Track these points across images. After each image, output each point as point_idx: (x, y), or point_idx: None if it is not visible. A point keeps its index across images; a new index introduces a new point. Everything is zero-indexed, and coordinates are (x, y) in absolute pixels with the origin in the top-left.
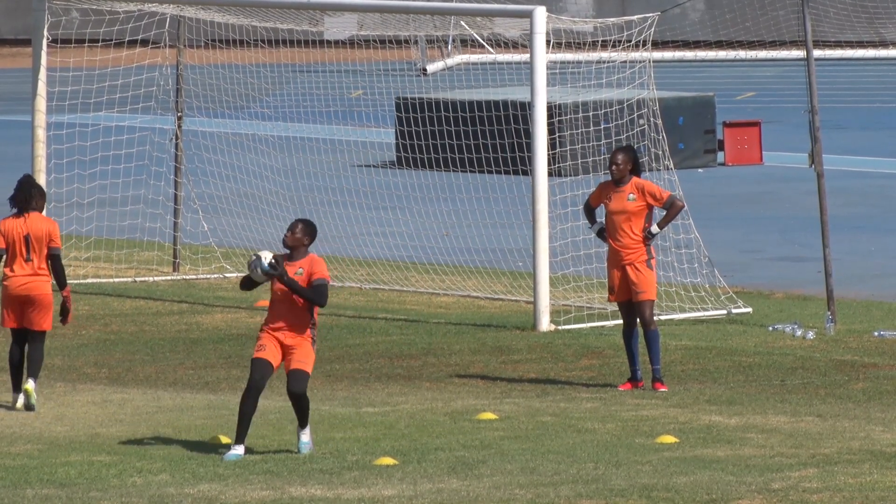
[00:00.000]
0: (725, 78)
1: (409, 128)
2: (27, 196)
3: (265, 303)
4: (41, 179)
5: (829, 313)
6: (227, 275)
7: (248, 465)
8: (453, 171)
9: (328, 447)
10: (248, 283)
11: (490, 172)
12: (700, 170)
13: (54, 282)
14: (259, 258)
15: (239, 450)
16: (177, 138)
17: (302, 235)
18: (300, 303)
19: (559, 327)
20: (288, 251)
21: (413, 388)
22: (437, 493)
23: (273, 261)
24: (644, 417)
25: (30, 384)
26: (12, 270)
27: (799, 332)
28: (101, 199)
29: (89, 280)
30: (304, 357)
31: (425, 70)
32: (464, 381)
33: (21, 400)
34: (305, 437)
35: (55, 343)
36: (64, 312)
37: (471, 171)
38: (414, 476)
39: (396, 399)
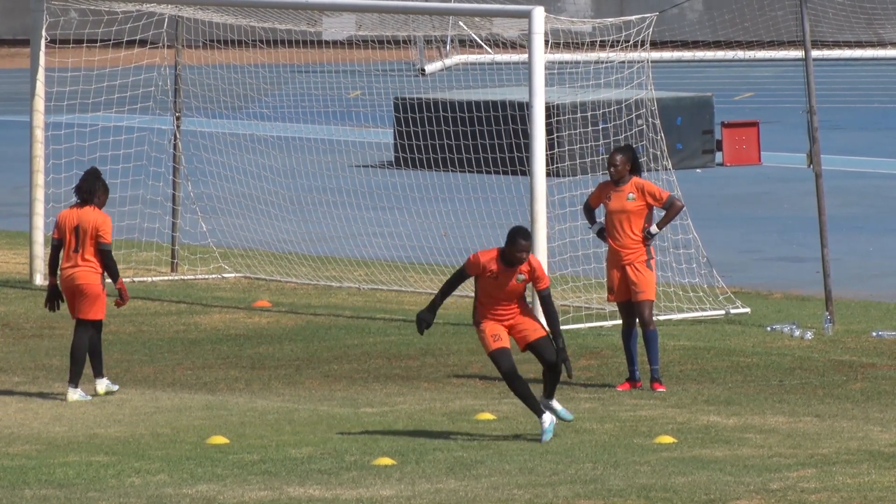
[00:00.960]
0: (724, 78)
1: (407, 128)
2: (91, 188)
3: (264, 303)
4: (39, 179)
5: (828, 313)
6: (226, 275)
7: (246, 465)
8: (452, 171)
9: (326, 447)
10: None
11: (488, 173)
12: (698, 170)
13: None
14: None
15: (547, 418)
16: (175, 138)
17: (528, 254)
18: (518, 290)
19: None
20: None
21: (411, 389)
22: (435, 493)
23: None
24: (642, 418)
25: (69, 393)
26: (66, 261)
27: (797, 333)
28: None
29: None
30: (535, 323)
31: (423, 70)
32: (462, 381)
33: (101, 385)
34: (558, 404)
35: (53, 343)
36: (120, 297)
37: (469, 172)
38: (412, 476)
39: (395, 399)
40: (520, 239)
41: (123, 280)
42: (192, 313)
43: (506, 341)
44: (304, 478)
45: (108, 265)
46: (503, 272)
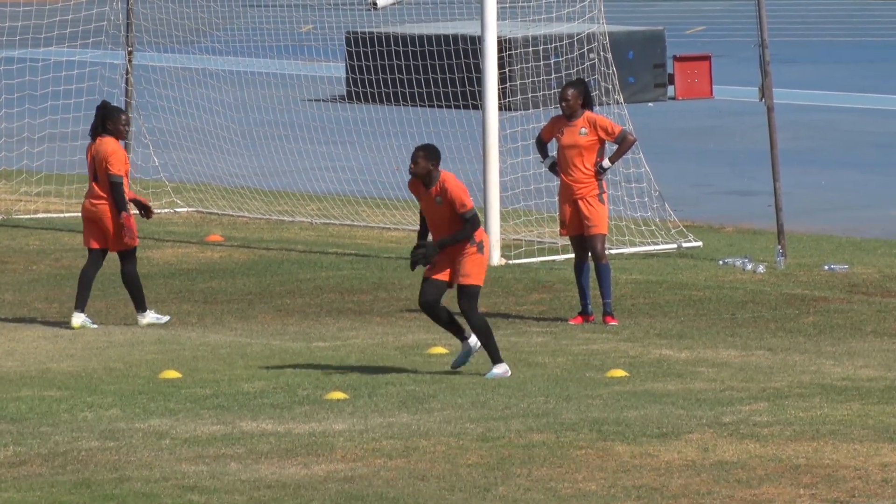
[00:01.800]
0: (675, 11)
1: (359, 62)
2: (96, 122)
3: (216, 237)
4: None
5: (780, 247)
6: (178, 209)
7: (199, 399)
8: (404, 105)
9: (279, 382)
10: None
11: (441, 107)
12: (650, 104)
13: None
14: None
15: (473, 340)
16: (127, 73)
17: (425, 163)
18: (454, 224)
19: (510, 261)
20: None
21: (364, 323)
22: (387, 427)
23: (422, 252)
24: (594, 351)
25: (139, 318)
26: (87, 192)
27: (749, 266)
28: (51, 134)
29: (40, 215)
30: (469, 269)
31: (375, 4)
32: (414, 315)
33: (78, 319)
34: (499, 369)
35: (6, 278)
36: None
37: (421, 106)
38: (365, 410)
39: (347, 334)
40: (415, 152)
41: (80, 215)
42: (144, 248)
43: (440, 271)
44: (256, 412)
45: (113, 195)
46: (424, 194)
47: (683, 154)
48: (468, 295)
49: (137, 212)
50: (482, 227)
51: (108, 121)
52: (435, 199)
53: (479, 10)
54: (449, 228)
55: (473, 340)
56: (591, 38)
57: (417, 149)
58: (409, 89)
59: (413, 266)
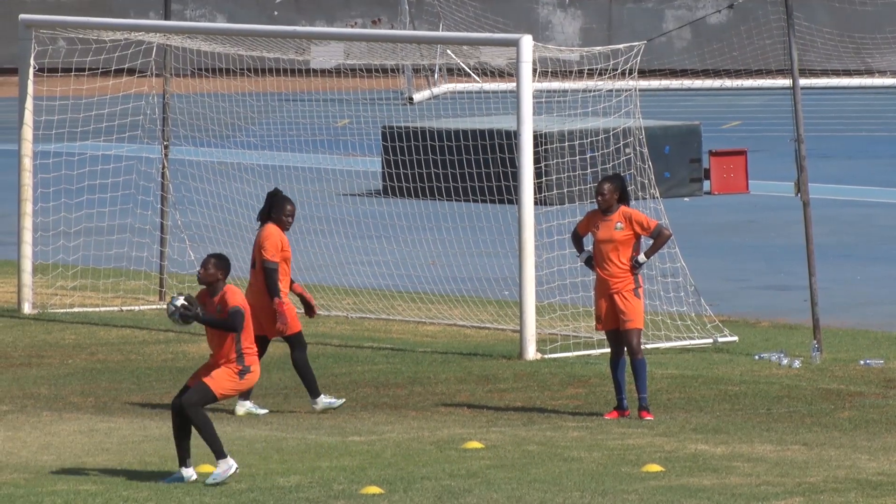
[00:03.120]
0: (711, 107)
1: (395, 157)
2: (264, 208)
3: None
4: (27, 208)
5: (815, 342)
6: None
7: (234, 494)
8: (439, 199)
9: (314, 476)
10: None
11: (476, 201)
12: (686, 198)
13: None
14: (173, 300)
15: (186, 471)
16: (163, 167)
17: (215, 270)
18: (223, 335)
19: (545, 356)
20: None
21: (399, 417)
22: None
23: (185, 302)
24: (630, 446)
25: (312, 404)
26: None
27: (785, 361)
28: (87, 227)
29: (76, 309)
30: (217, 374)
31: (412, 99)
32: (450, 409)
33: (322, 402)
34: (221, 467)
35: (41, 372)
36: (282, 320)
37: (457, 200)
38: None
39: (383, 428)
40: (207, 258)
41: (116, 309)
42: (180, 342)
43: (202, 374)
44: None
45: (266, 281)
46: (208, 303)
47: (719, 249)
48: (200, 392)
49: (302, 309)
50: (258, 360)
51: (273, 209)
52: (216, 307)
53: (514, 105)
54: (219, 338)
55: (188, 472)
56: (628, 132)
57: (210, 256)
58: (444, 184)
59: (172, 313)
